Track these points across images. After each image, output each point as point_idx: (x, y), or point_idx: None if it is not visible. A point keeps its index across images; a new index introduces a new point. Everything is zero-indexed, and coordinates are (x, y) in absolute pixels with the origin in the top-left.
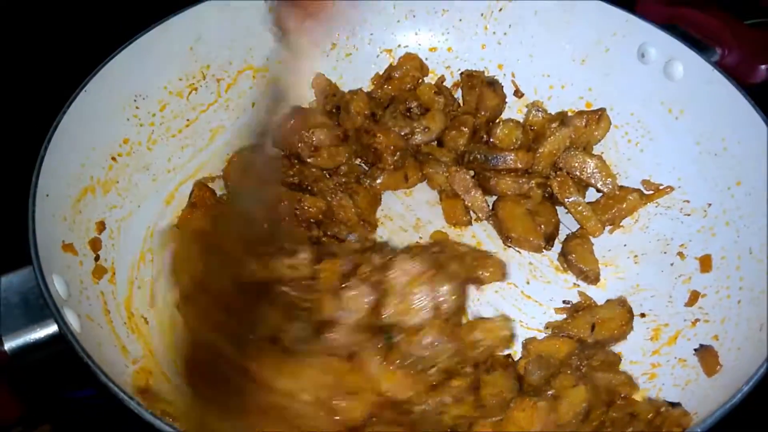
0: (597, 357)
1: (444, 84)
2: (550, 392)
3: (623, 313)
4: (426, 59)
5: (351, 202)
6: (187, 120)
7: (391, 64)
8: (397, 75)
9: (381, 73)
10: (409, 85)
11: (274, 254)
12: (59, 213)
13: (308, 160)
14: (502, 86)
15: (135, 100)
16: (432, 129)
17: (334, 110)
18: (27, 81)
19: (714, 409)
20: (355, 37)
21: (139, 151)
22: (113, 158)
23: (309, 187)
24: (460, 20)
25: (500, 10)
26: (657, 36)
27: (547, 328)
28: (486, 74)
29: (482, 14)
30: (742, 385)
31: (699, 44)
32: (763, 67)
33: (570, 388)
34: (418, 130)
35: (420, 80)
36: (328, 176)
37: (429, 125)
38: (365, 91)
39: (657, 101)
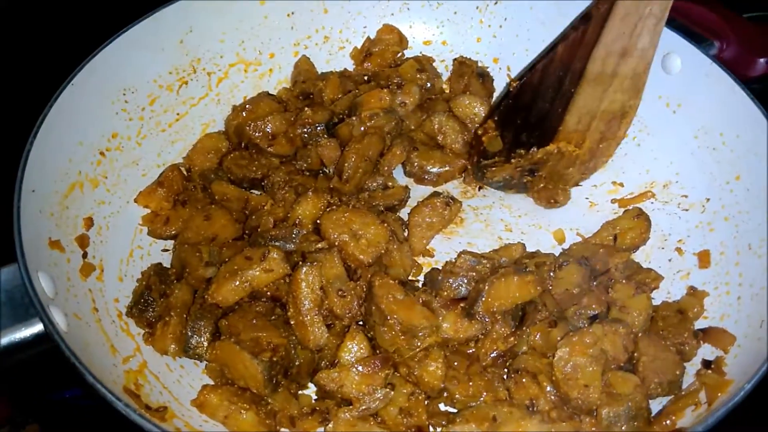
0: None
1: (425, 55)
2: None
3: (641, 222)
4: (420, 53)
5: (294, 197)
6: (177, 114)
7: (369, 38)
8: (376, 50)
9: (359, 47)
10: (390, 61)
11: (243, 267)
12: (46, 209)
13: (269, 149)
14: (493, 79)
15: (124, 94)
16: (409, 103)
17: (300, 97)
18: (12, 74)
19: (716, 407)
20: (348, 30)
21: (128, 146)
22: (101, 153)
23: (264, 183)
24: (455, 13)
25: (495, 3)
26: None
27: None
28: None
29: (477, 7)
30: (744, 383)
31: (697, 37)
32: (761, 60)
33: (631, 298)
34: (396, 104)
35: (401, 54)
36: (283, 165)
37: (405, 99)
38: (350, 70)
39: (655, 95)
